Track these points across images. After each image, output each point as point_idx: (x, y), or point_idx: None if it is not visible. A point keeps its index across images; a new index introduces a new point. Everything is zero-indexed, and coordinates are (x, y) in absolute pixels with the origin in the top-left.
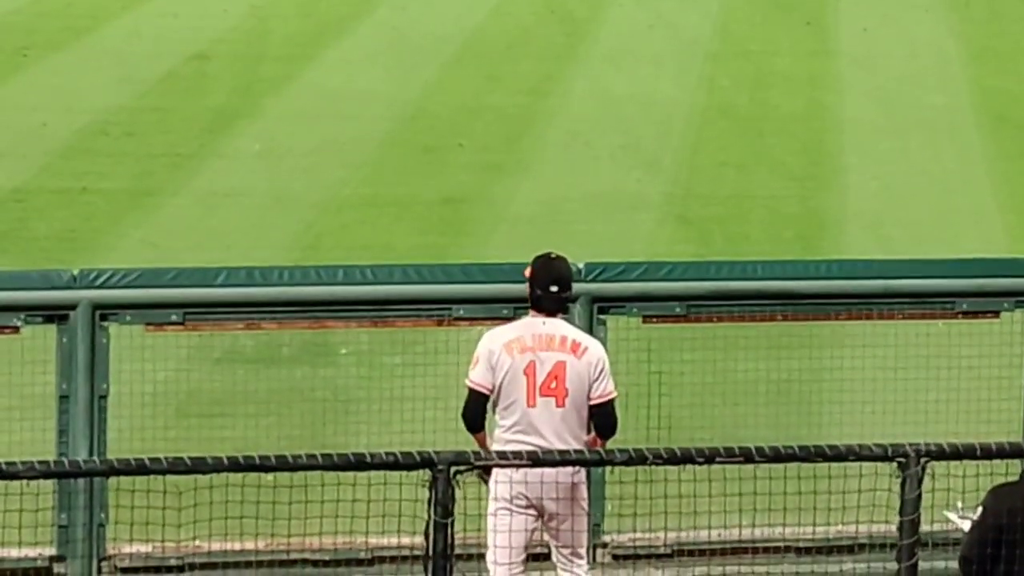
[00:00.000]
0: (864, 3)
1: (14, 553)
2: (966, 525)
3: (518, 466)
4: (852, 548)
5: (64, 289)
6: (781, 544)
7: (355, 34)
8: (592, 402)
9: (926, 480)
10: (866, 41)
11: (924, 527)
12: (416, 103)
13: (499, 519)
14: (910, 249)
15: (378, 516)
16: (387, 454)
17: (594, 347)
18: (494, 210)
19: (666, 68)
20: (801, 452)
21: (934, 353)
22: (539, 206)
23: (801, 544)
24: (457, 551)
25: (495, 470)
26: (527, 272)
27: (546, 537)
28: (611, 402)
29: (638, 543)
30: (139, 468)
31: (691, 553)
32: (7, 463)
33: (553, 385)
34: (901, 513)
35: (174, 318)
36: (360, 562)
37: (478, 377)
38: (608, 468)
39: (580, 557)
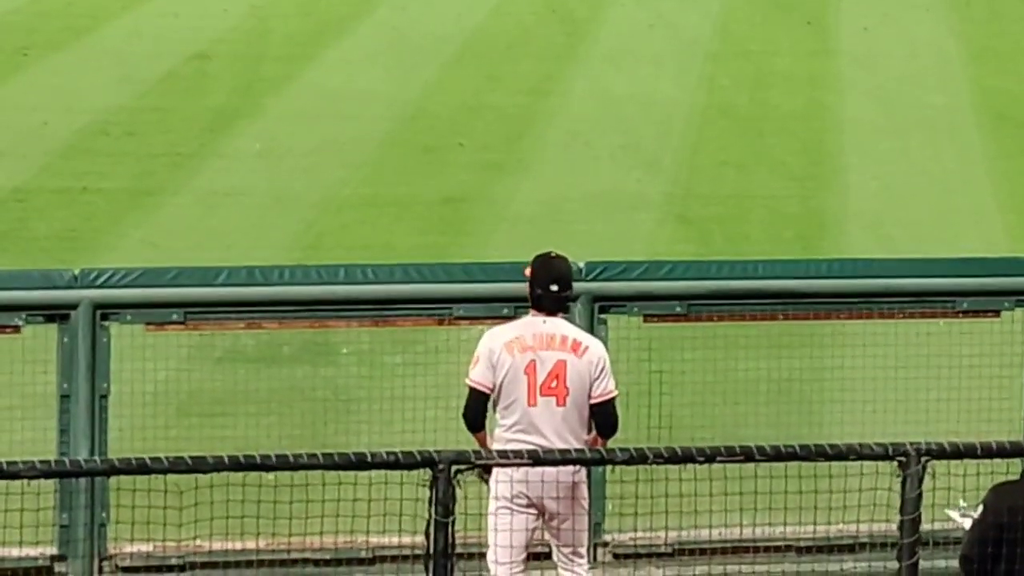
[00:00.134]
0: (864, 3)
1: (15, 552)
2: (967, 524)
3: (519, 465)
4: (853, 547)
5: (65, 289)
6: (782, 543)
7: (355, 34)
8: (593, 401)
9: (927, 479)
10: (866, 41)
11: (925, 526)
12: (416, 103)
13: (500, 518)
14: (910, 248)
15: (379, 515)
16: (388, 453)
17: (595, 346)
18: (494, 210)
19: (666, 68)
20: (802, 451)
21: (935, 352)
22: (539, 206)
23: (802, 543)
24: (458, 550)
25: (496, 469)
26: (527, 271)
27: (547, 536)
28: (612, 401)
29: (639, 542)
30: (140, 467)
31: (692, 552)
32: (8, 462)
33: (554, 384)
34: (902, 512)
35: (175, 317)
36: (361, 561)
37: (478, 376)
38: (609, 467)
39: (581, 556)
